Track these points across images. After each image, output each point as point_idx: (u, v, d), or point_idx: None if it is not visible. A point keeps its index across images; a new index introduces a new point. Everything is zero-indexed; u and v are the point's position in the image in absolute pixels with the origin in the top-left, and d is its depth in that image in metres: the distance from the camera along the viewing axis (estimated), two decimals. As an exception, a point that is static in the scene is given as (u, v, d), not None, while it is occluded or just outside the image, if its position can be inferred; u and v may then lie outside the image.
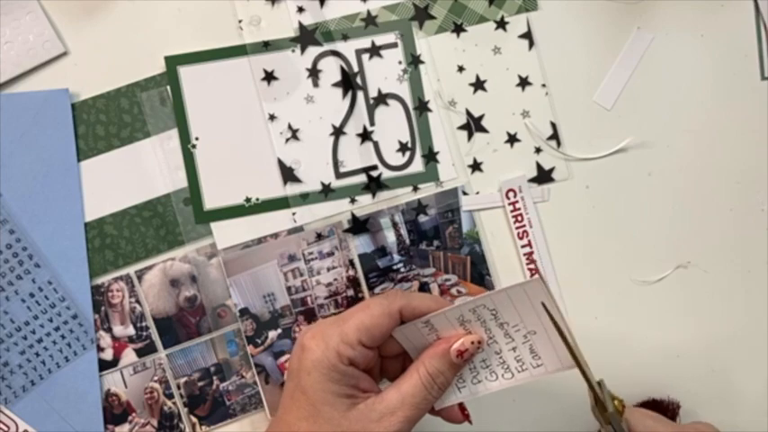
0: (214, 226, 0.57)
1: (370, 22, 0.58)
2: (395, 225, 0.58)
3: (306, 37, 0.58)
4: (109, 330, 0.57)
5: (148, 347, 0.57)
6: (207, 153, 0.57)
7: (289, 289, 0.57)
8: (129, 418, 0.57)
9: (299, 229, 0.57)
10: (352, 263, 0.58)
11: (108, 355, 0.57)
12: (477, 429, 0.52)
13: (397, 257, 0.58)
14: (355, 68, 0.58)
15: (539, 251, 0.58)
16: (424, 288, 0.58)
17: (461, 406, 0.48)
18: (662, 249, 0.59)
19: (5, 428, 0.55)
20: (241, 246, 0.57)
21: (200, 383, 0.57)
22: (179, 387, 0.57)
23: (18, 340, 0.55)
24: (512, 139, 0.58)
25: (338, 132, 0.58)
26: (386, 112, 0.58)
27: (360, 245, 0.58)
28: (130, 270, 0.57)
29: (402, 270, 0.58)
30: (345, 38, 0.58)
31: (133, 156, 0.57)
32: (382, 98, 0.58)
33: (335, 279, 0.58)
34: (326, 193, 0.58)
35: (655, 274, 0.59)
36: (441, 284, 0.58)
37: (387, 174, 0.58)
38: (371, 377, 0.47)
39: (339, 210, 0.58)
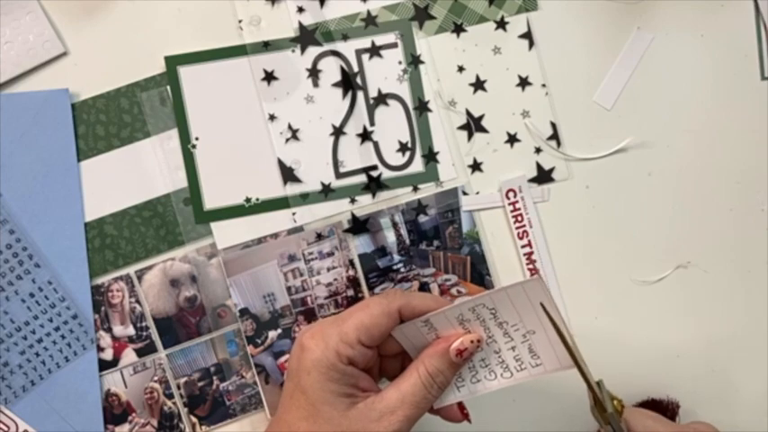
0: (214, 226, 0.57)
1: (370, 22, 0.58)
2: (395, 225, 0.58)
3: (306, 37, 0.58)
4: (109, 330, 0.57)
5: (148, 347, 0.57)
6: (207, 153, 0.57)
7: (289, 289, 0.57)
8: (129, 418, 0.57)
9: (299, 229, 0.57)
10: (352, 263, 0.58)
11: (108, 355, 0.57)
12: (476, 429, 0.52)
13: (397, 257, 0.58)
14: (355, 68, 0.58)
15: (539, 251, 0.58)
16: (424, 288, 0.58)
17: (461, 405, 0.48)
18: (662, 249, 0.59)
19: (5, 428, 0.55)
20: (241, 246, 0.57)
21: (200, 383, 0.57)
22: (179, 387, 0.57)
23: (18, 340, 0.56)
24: (512, 139, 0.58)
25: (338, 132, 0.58)
26: (386, 112, 0.58)
27: (360, 245, 0.58)
28: (130, 270, 0.57)
29: (402, 270, 0.58)
30: (345, 38, 0.58)
31: (133, 156, 0.57)
32: (382, 98, 0.58)
33: (335, 279, 0.58)
34: (326, 193, 0.58)
35: (655, 274, 0.59)
36: (441, 284, 0.58)
37: (387, 174, 0.58)
38: (371, 376, 0.47)
39: (339, 210, 0.58)
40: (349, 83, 0.58)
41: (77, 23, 0.57)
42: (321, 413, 0.44)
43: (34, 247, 0.56)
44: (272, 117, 0.57)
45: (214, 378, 0.57)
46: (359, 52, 0.58)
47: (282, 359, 0.57)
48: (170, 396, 0.57)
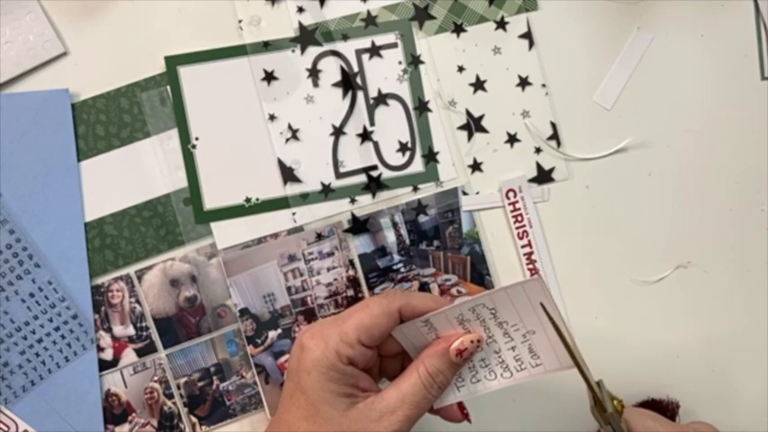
0: (214, 226, 0.57)
1: (370, 22, 0.58)
2: (395, 225, 0.58)
3: (306, 37, 0.58)
4: (109, 330, 0.57)
5: (148, 347, 0.57)
6: (207, 153, 0.57)
7: (289, 289, 0.57)
8: (129, 418, 0.57)
9: (299, 229, 0.57)
10: (352, 263, 0.58)
11: (108, 355, 0.57)
12: (476, 429, 0.52)
13: (397, 257, 0.58)
14: (355, 68, 0.58)
15: (539, 251, 0.58)
16: (424, 288, 0.58)
17: (460, 405, 0.48)
18: (662, 249, 0.59)
19: (5, 428, 0.55)
20: (241, 246, 0.57)
21: (201, 383, 0.57)
22: (179, 387, 0.57)
23: (18, 340, 0.56)
24: (512, 139, 0.58)
25: (338, 132, 0.58)
26: (386, 112, 0.58)
27: (360, 245, 0.58)
28: (130, 270, 0.57)
29: (402, 270, 0.58)
30: (345, 38, 0.58)
31: (133, 156, 0.57)
32: (382, 98, 0.58)
33: (335, 279, 0.58)
34: (326, 193, 0.58)
35: (655, 274, 0.59)
36: (441, 284, 0.58)
37: (387, 174, 0.58)
38: (371, 376, 0.47)
39: (339, 210, 0.58)
40: (349, 83, 0.58)
41: (77, 23, 0.57)
42: (321, 413, 0.44)
43: (34, 247, 0.56)
44: (272, 117, 0.57)
45: (214, 378, 0.57)
46: (359, 52, 0.58)
47: (282, 359, 0.57)
48: (170, 396, 0.57)
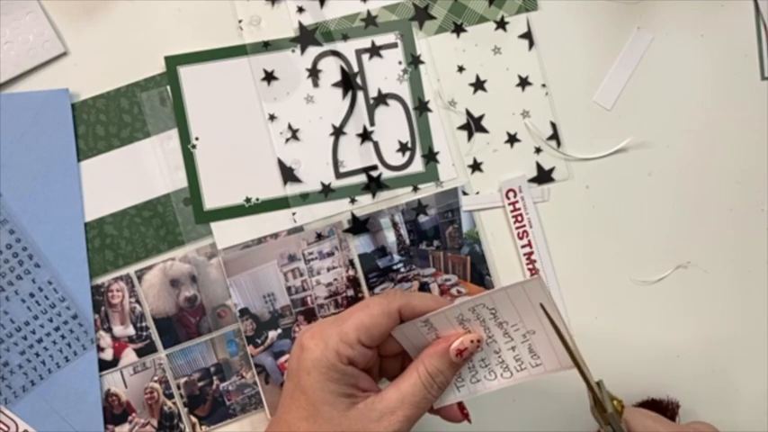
0: (214, 226, 0.57)
1: (370, 22, 0.58)
2: (395, 225, 0.58)
3: (306, 37, 0.58)
4: (109, 330, 0.57)
5: (148, 347, 0.57)
6: (207, 153, 0.57)
7: (289, 289, 0.57)
8: (129, 418, 0.57)
9: (299, 229, 0.57)
10: (352, 263, 0.58)
11: (108, 355, 0.57)
12: (476, 429, 0.52)
13: (397, 257, 0.58)
14: (355, 68, 0.58)
15: (539, 251, 0.58)
16: (424, 288, 0.58)
17: (460, 405, 0.48)
18: (662, 249, 0.59)
19: (5, 428, 0.55)
20: (241, 246, 0.57)
21: (201, 383, 0.57)
22: (179, 387, 0.57)
23: (18, 340, 0.56)
24: (512, 139, 0.58)
25: (338, 132, 0.58)
26: (386, 112, 0.58)
27: (360, 245, 0.58)
28: (130, 270, 0.57)
29: (402, 270, 0.58)
30: (345, 38, 0.58)
31: (133, 156, 0.57)
32: (382, 98, 0.58)
33: (335, 279, 0.58)
34: (326, 193, 0.58)
35: (655, 274, 0.59)
36: (441, 284, 0.58)
37: (387, 174, 0.58)
38: (371, 376, 0.47)
39: (339, 210, 0.58)
40: (349, 83, 0.58)
41: (77, 23, 0.57)
42: (321, 413, 0.44)
43: (34, 247, 0.56)
44: (272, 117, 0.57)
45: (214, 378, 0.57)
46: (359, 52, 0.58)
47: (282, 359, 0.57)
48: (170, 396, 0.57)
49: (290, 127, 0.57)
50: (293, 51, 0.58)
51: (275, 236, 0.57)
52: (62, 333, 0.56)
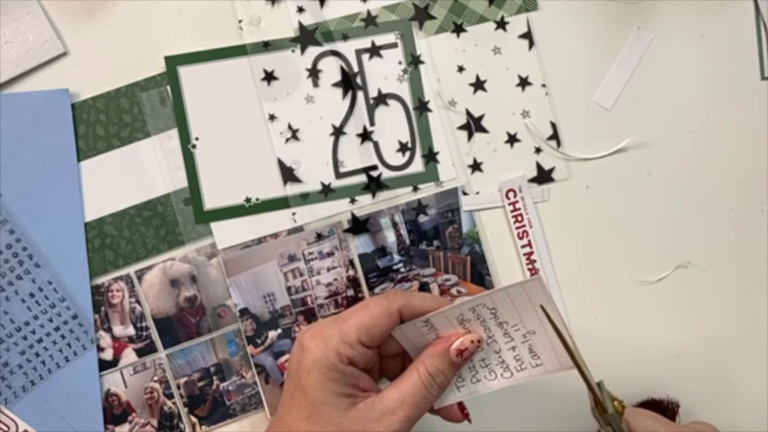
0: (214, 226, 0.57)
1: (370, 22, 0.58)
2: (395, 225, 0.58)
3: (306, 37, 0.58)
4: (109, 330, 0.57)
5: (148, 347, 0.57)
6: (207, 153, 0.57)
7: (289, 289, 0.57)
8: (129, 418, 0.57)
9: (299, 229, 0.57)
10: (352, 263, 0.58)
11: (108, 355, 0.57)
12: (476, 429, 0.52)
13: (397, 257, 0.58)
14: (355, 68, 0.58)
15: (539, 251, 0.58)
16: (424, 288, 0.58)
17: (461, 405, 0.48)
18: (662, 249, 0.59)
19: (5, 428, 0.55)
20: (241, 246, 0.57)
21: (200, 383, 0.57)
22: (179, 387, 0.57)
23: (18, 340, 0.55)
24: (512, 139, 0.58)
25: (338, 132, 0.58)
26: (386, 112, 0.58)
27: (360, 245, 0.58)
28: (130, 270, 0.57)
29: (402, 270, 0.58)
30: (345, 38, 0.58)
31: (133, 156, 0.57)
32: (382, 98, 0.58)
33: (335, 279, 0.58)
34: (326, 193, 0.58)
35: (655, 274, 0.59)
36: (441, 284, 0.58)
37: (387, 174, 0.58)
38: (371, 376, 0.47)
39: (339, 210, 0.58)
40: (349, 83, 0.58)
41: (77, 23, 0.57)
42: (321, 413, 0.44)
43: (34, 247, 0.55)
44: (272, 117, 0.57)
45: (214, 378, 0.57)
46: (359, 52, 0.58)
47: (282, 359, 0.57)
48: (170, 396, 0.57)
49: (290, 127, 0.57)
50: (293, 51, 0.58)
51: (275, 236, 0.57)
52: (62, 333, 0.56)
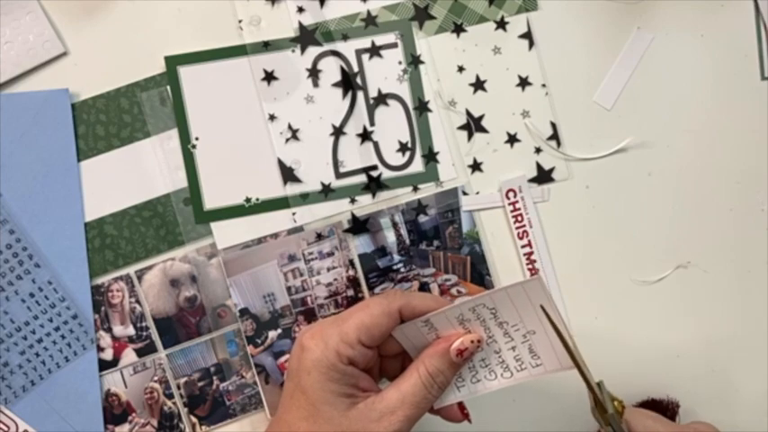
0: (214, 226, 0.57)
1: (370, 22, 0.58)
2: (395, 225, 0.58)
3: (306, 37, 0.58)
4: (109, 330, 0.57)
5: (148, 347, 0.57)
6: (207, 153, 0.57)
7: (289, 289, 0.57)
8: (129, 418, 0.57)
9: (299, 229, 0.57)
10: (352, 263, 0.58)
11: (108, 355, 0.57)
12: (476, 429, 0.52)
13: (397, 257, 0.58)
14: (355, 68, 0.58)
15: (539, 251, 0.58)
16: (424, 288, 0.58)
17: (461, 405, 0.48)
18: (662, 249, 0.59)
19: (5, 428, 0.55)
20: (241, 246, 0.57)
21: (200, 383, 0.57)
22: (179, 387, 0.57)
23: (18, 340, 0.55)
24: (512, 139, 0.58)
25: (338, 132, 0.58)
26: (386, 112, 0.58)
27: (360, 245, 0.58)
28: (130, 270, 0.57)
29: (402, 270, 0.58)
30: (345, 38, 0.58)
31: (133, 156, 0.57)
32: (382, 98, 0.58)
33: (335, 279, 0.58)
34: (326, 193, 0.58)
35: (655, 274, 0.59)
36: (441, 284, 0.58)
37: (387, 174, 0.58)
38: (371, 376, 0.47)
39: (339, 210, 0.58)
40: (349, 83, 0.58)
41: (77, 23, 0.57)
42: (321, 413, 0.44)
43: (34, 247, 0.55)
44: (272, 117, 0.57)
45: (214, 378, 0.57)
46: (359, 52, 0.58)
47: (282, 359, 0.57)
48: (170, 396, 0.57)
49: (290, 127, 0.57)
50: (293, 51, 0.58)
51: (275, 236, 0.57)
52: (62, 333, 0.56)
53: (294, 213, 0.57)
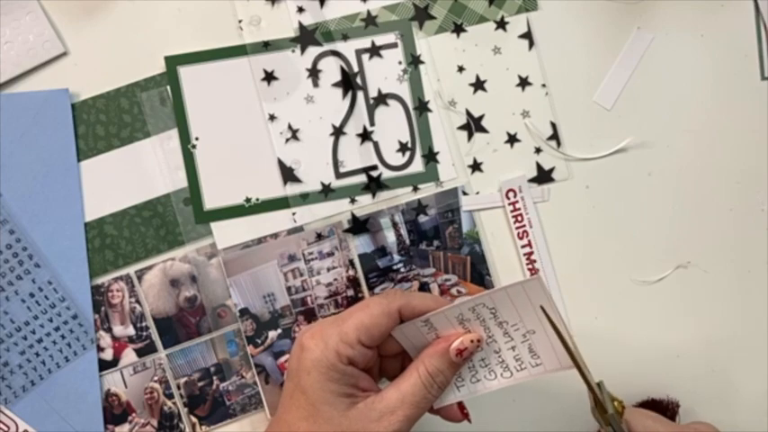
0: (214, 226, 0.57)
1: (370, 22, 0.58)
2: (395, 225, 0.58)
3: (306, 37, 0.58)
4: (109, 330, 0.57)
5: (148, 347, 0.57)
6: (207, 153, 0.57)
7: (289, 289, 0.57)
8: (129, 418, 0.57)
9: (299, 229, 0.57)
10: (352, 263, 0.58)
11: (108, 355, 0.57)
12: (476, 429, 0.52)
13: (397, 257, 0.58)
14: (355, 68, 0.58)
15: (539, 251, 0.58)
16: (423, 288, 0.58)
17: (460, 405, 0.48)
18: (662, 249, 0.59)
19: (5, 428, 0.55)
20: (241, 246, 0.57)
21: (200, 383, 0.57)
22: (179, 387, 0.57)
23: (18, 340, 0.56)
24: (512, 139, 0.58)
25: (338, 132, 0.58)
26: (386, 112, 0.58)
27: (360, 245, 0.58)
28: (130, 270, 0.57)
29: (402, 270, 0.58)
30: (345, 38, 0.58)
31: (133, 156, 0.57)
32: (382, 98, 0.58)
33: (335, 279, 0.58)
34: (326, 193, 0.58)
35: (655, 274, 0.59)
36: (441, 284, 0.58)
37: (387, 174, 0.58)
38: (371, 376, 0.47)
39: (339, 210, 0.58)
40: (349, 83, 0.58)
41: (77, 23, 0.57)
42: (321, 413, 0.44)
43: (34, 247, 0.56)
44: (272, 117, 0.57)
45: (214, 378, 0.57)
46: (359, 52, 0.58)
47: (282, 359, 0.57)
48: (170, 396, 0.57)
49: (290, 127, 0.57)
50: (293, 51, 0.58)
51: (275, 236, 0.57)
52: (62, 333, 0.56)
53: (294, 213, 0.57)
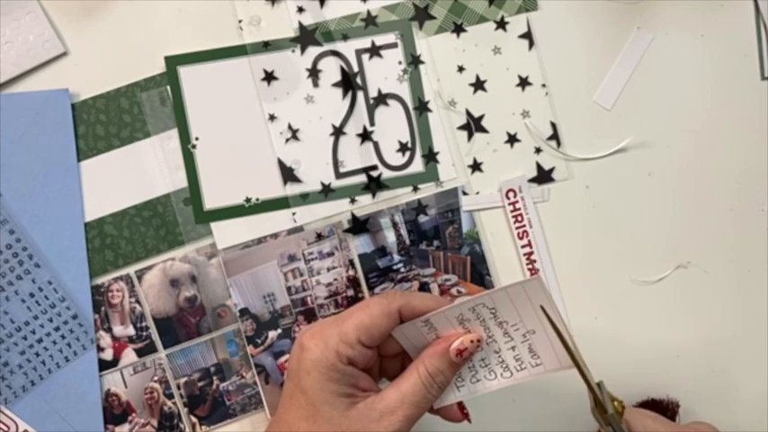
0: (214, 226, 0.57)
1: (370, 22, 0.58)
2: (395, 225, 0.58)
3: (306, 37, 0.58)
4: (109, 330, 0.57)
5: (148, 347, 0.57)
6: (207, 153, 0.57)
7: (289, 289, 0.57)
8: (129, 418, 0.57)
9: (299, 229, 0.57)
10: (352, 263, 0.58)
11: (108, 355, 0.57)
12: (476, 429, 0.52)
13: (397, 257, 0.58)
14: (355, 68, 0.58)
15: (539, 251, 0.58)
16: (424, 288, 0.58)
17: (460, 405, 0.48)
18: (662, 249, 0.59)
19: (5, 428, 0.55)
20: (241, 246, 0.57)
21: (200, 383, 0.57)
22: (179, 387, 0.57)
23: (18, 340, 0.56)
24: (512, 139, 0.58)
25: (338, 132, 0.58)
26: (386, 112, 0.58)
27: (360, 245, 0.58)
28: (130, 270, 0.57)
29: (402, 270, 0.58)
30: (345, 38, 0.58)
31: (133, 156, 0.57)
32: (382, 98, 0.58)
33: (335, 279, 0.58)
34: (326, 193, 0.58)
35: (655, 274, 0.59)
36: (441, 284, 0.58)
37: (387, 174, 0.58)
38: (371, 376, 0.47)
39: (339, 210, 0.58)
40: (349, 83, 0.58)
41: (77, 23, 0.57)
42: (321, 413, 0.44)
43: (34, 247, 0.55)
44: (272, 117, 0.57)
45: (214, 378, 0.57)
46: (359, 52, 0.58)
47: (282, 359, 0.57)
48: (170, 396, 0.57)
49: (290, 127, 0.57)
50: (293, 51, 0.58)
51: (275, 236, 0.57)
52: (62, 333, 0.56)
53: (294, 213, 0.57)
